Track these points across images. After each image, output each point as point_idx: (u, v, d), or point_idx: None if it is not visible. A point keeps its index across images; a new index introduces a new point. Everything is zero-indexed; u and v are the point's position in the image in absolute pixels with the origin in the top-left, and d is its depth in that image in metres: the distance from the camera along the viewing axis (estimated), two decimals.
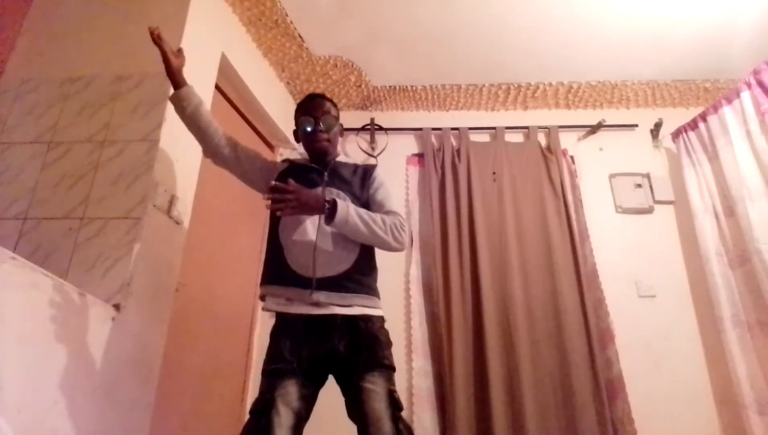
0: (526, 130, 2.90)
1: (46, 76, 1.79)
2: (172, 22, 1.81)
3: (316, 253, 1.33)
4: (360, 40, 2.54)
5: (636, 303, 2.52)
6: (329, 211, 1.30)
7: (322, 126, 1.49)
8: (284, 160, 1.61)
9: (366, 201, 1.47)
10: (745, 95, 2.32)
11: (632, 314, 2.49)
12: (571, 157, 2.84)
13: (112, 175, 1.59)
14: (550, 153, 2.80)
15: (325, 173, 1.48)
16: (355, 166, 1.55)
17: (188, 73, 1.78)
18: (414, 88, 2.89)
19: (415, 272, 2.58)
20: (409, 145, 2.94)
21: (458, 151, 2.79)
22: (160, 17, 1.82)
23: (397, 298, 2.54)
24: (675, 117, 2.80)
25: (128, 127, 1.66)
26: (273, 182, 1.29)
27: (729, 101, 2.41)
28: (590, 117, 2.93)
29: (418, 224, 2.72)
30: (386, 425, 1.19)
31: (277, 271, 1.36)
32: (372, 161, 2.85)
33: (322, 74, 2.76)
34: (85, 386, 1.27)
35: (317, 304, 1.31)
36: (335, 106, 1.58)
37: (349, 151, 2.89)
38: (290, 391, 1.23)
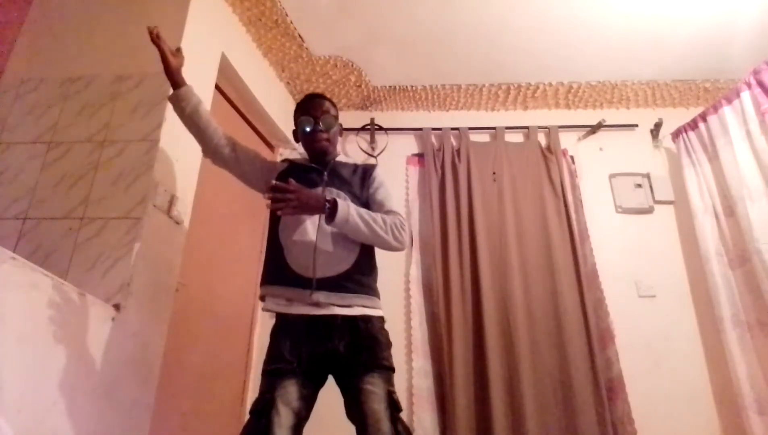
0: (526, 130, 2.90)
1: (46, 76, 1.79)
2: (172, 22, 1.81)
3: (316, 253, 1.33)
4: (360, 40, 2.54)
5: (636, 303, 2.52)
6: (330, 211, 1.30)
7: (321, 126, 1.49)
8: (284, 160, 1.61)
9: (366, 201, 1.47)
10: (745, 95, 2.32)
11: (632, 314, 2.49)
12: (571, 157, 2.84)
13: (112, 175, 1.59)
14: (550, 153, 2.80)
15: (325, 173, 1.48)
16: (355, 166, 1.55)
17: (188, 73, 1.78)
18: (414, 88, 2.89)
19: (415, 272, 2.58)
20: (409, 145, 2.94)
21: (458, 151, 2.79)
22: (160, 17, 1.82)
23: (397, 298, 2.54)
24: (675, 117, 2.80)
25: (128, 127, 1.66)
26: (273, 182, 1.29)
27: (729, 101, 2.41)
28: (590, 117, 2.93)
29: (418, 224, 2.72)
30: (385, 426, 1.19)
31: (277, 271, 1.36)
32: (372, 161, 2.85)
33: (322, 74, 2.76)
34: (85, 386, 1.27)
35: (317, 305, 1.31)
36: (334, 105, 1.57)
37: (349, 151, 2.90)
38: (290, 391, 1.23)
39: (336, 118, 1.55)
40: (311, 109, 1.52)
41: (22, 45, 1.88)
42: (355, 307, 1.33)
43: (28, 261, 1.16)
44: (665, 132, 2.84)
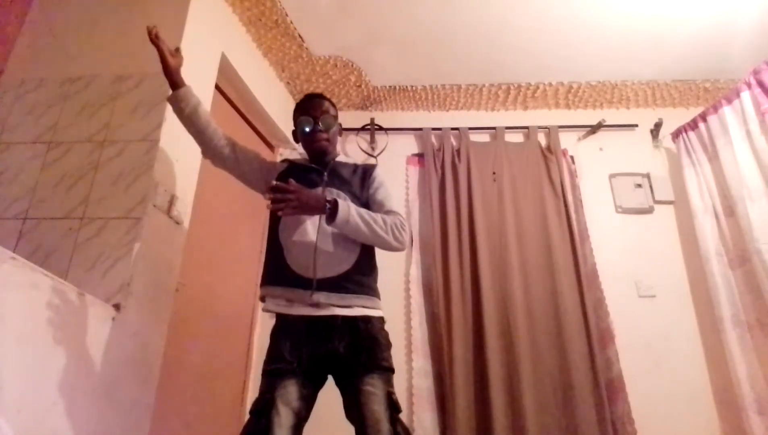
0: (526, 130, 2.90)
1: (46, 76, 1.79)
2: (172, 22, 1.81)
3: (317, 253, 1.33)
4: (360, 40, 2.54)
5: (636, 303, 2.52)
6: (330, 211, 1.30)
7: (321, 126, 1.49)
8: (283, 161, 1.61)
9: (366, 201, 1.47)
10: (745, 95, 2.32)
11: (632, 314, 2.49)
12: (571, 157, 2.84)
13: (112, 175, 1.59)
14: (550, 153, 2.80)
15: (325, 173, 1.48)
16: (355, 166, 1.55)
17: (188, 73, 1.78)
18: (414, 88, 2.89)
19: (415, 272, 2.58)
20: (409, 145, 2.94)
21: (458, 151, 2.79)
22: (160, 17, 1.82)
23: (397, 298, 2.54)
24: (675, 117, 2.80)
25: (128, 127, 1.66)
26: (274, 182, 1.28)
27: (729, 101, 2.41)
28: (590, 117, 2.93)
29: (418, 224, 2.72)
30: (384, 427, 1.19)
31: (277, 271, 1.36)
32: (372, 161, 2.85)
33: (322, 74, 2.76)
34: (85, 386, 1.27)
35: (317, 305, 1.31)
36: (333, 105, 1.57)
37: (349, 151, 2.90)
38: (290, 391, 1.23)
39: (335, 117, 1.55)
40: (310, 109, 1.51)
41: (22, 45, 1.88)
42: (356, 308, 1.33)
43: (28, 261, 1.16)
44: (665, 132, 2.83)
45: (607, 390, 2.25)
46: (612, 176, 2.81)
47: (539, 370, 2.30)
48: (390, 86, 2.89)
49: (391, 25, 2.43)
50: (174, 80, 1.47)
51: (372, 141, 2.93)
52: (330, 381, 1.35)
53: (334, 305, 1.31)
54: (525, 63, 2.68)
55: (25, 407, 1.10)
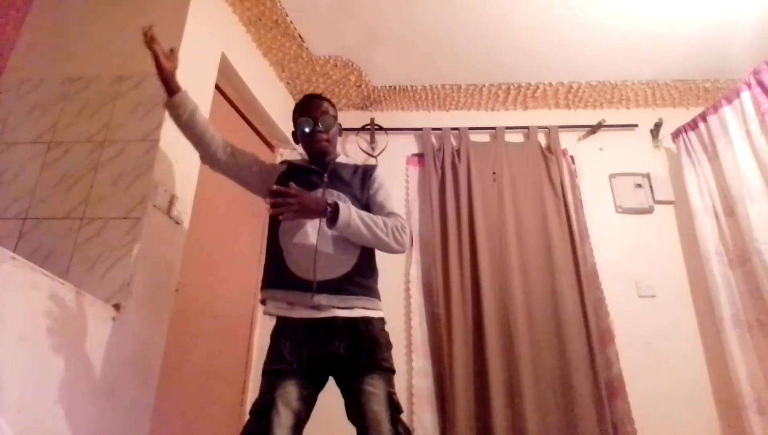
0: (526, 130, 2.90)
1: (46, 76, 1.79)
2: (172, 22, 1.81)
3: (317, 256, 1.33)
4: (360, 40, 2.54)
5: (636, 303, 2.52)
6: (331, 215, 1.29)
7: (320, 126, 1.48)
8: (283, 162, 1.61)
9: (366, 202, 1.46)
10: (745, 95, 2.32)
11: (632, 314, 2.49)
12: (571, 157, 2.84)
13: (112, 175, 1.59)
14: (550, 153, 2.80)
15: (325, 175, 1.47)
16: (355, 167, 1.55)
17: (188, 73, 1.78)
18: (414, 88, 2.89)
19: (415, 272, 2.58)
20: (409, 145, 2.94)
21: (458, 151, 2.79)
22: (160, 17, 1.82)
23: (397, 299, 2.54)
24: (675, 117, 2.80)
25: (128, 127, 1.66)
26: (274, 186, 1.28)
27: (729, 101, 2.41)
28: (590, 117, 2.93)
29: (418, 224, 2.72)
30: (385, 427, 1.19)
31: (278, 274, 1.36)
32: (372, 161, 2.85)
33: (322, 74, 2.76)
34: (85, 386, 1.27)
35: (318, 308, 1.30)
36: (333, 105, 1.57)
37: (349, 151, 2.90)
38: (290, 392, 1.23)
39: (335, 118, 1.55)
40: (310, 109, 1.51)
41: (22, 45, 1.88)
42: (356, 309, 1.33)
43: (28, 261, 1.16)
44: (665, 132, 2.84)
45: (607, 390, 2.25)
46: (612, 176, 2.81)
47: (539, 370, 2.30)
48: (390, 86, 2.89)
49: (391, 25, 2.43)
50: (169, 85, 1.43)
51: (372, 141, 2.93)
52: (330, 382, 1.35)
53: (334, 307, 1.31)
54: (525, 63, 2.68)
55: (25, 407, 1.10)
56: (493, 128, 2.89)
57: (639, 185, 2.77)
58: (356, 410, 1.24)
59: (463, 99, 2.97)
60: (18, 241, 1.52)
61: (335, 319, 1.30)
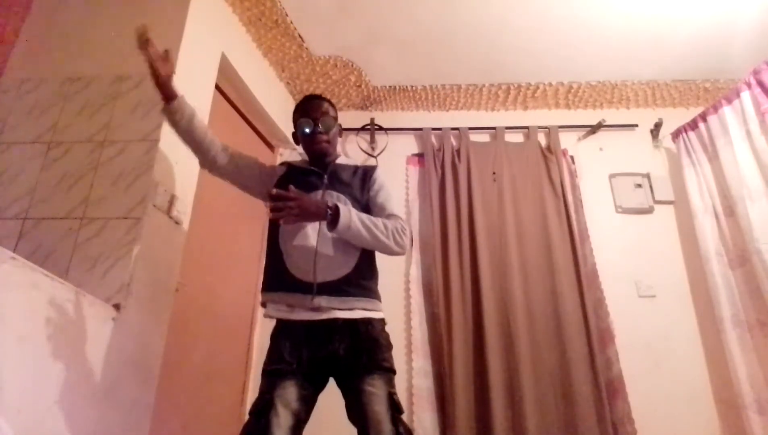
0: (526, 130, 2.90)
1: (46, 76, 1.79)
2: (172, 22, 1.81)
3: (317, 257, 1.33)
4: (360, 40, 2.54)
5: (636, 303, 2.52)
6: (331, 217, 1.29)
7: (320, 127, 1.48)
8: (282, 164, 1.60)
9: (366, 203, 1.46)
10: (745, 95, 2.32)
11: (632, 314, 2.49)
12: (571, 157, 2.84)
13: (112, 175, 1.59)
14: (550, 153, 2.80)
15: (325, 176, 1.47)
16: (355, 168, 1.54)
17: (188, 73, 1.78)
18: (414, 88, 2.89)
19: (415, 272, 2.58)
20: (409, 145, 2.94)
21: (458, 151, 2.79)
22: (160, 17, 1.82)
23: (397, 299, 2.54)
24: (675, 117, 2.80)
25: (128, 127, 1.66)
26: (274, 190, 1.28)
27: (729, 101, 2.41)
28: (590, 117, 2.93)
29: (418, 224, 2.72)
30: (386, 428, 1.19)
31: (278, 277, 1.36)
32: (372, 161, 2.85)
33: (322, 74, 2.76)
34: (85, 386, 1.27)
35: (318, 309, 1.30)
36: (333, 106, 1.57)
37: (349, 151, 2.90)
38: (289, 392, 1.23)
39: (335, 119, 1.54)
40: (310, 110, 1.50)
41: (22, 45, 1.88)
42: (357, 310, 1.33)
43: (28, 261, 1.16)
44: (665, 132, 2.83)
45: (607, 390, 2.25)
46: (612, 176, 2.81)
47: (539, 370, 2.30)
48: (390, 86, 2.89)
49: (391, 25, 2.43)
50: (166, 91, 1.39)
51: (372, 141, 2.93)
52: (331, 383, 1.35)
53: (335, 309, 1.31)
54: (525, 63, 2.68)
55: (25, 407, 1.10)
56: (493, 128, 2.89)
57: (639, 185, 2.77)
58: (357, 411, 1.24)
59: (463, 99, 2.97)
60: (18, 241, 1.52)
61: (335, 320, 1.30)
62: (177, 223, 1.68)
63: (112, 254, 1.47)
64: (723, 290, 2.34)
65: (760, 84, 2.25)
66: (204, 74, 1.95)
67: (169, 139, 1.64)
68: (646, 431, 2.20)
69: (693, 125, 2.63)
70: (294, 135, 1.57)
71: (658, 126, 2.87)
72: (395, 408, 1.24)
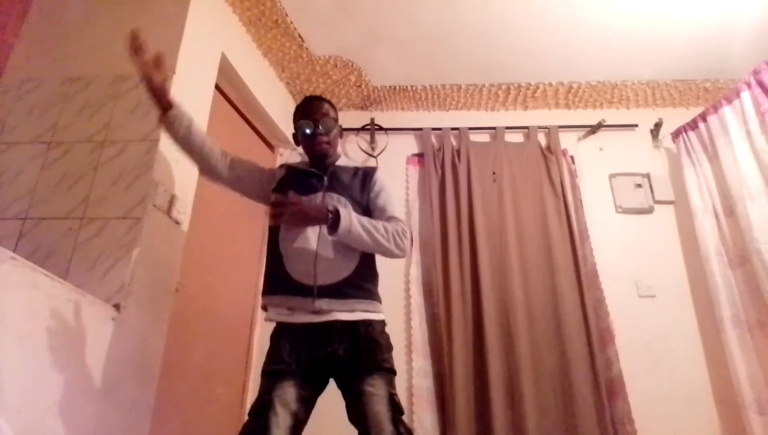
0: (526, 130, 2.90)
1: (46, 76, 1.79)
2: (172, 22, 1.81)
3: (317, 260, 1.33)
4: (360, 40, 2.54)
5: (636, 303, 2.52)
6: (332, 221, 1.29)
7: (321, 129, 1.47)
8: (282, 166, 1.59)
9: (366, 205, 1.46)
10: (745, 95, 2.32)
11: (632, 314, 2.49)
12: (571, 157, 2.84)
13: (112, 175, 1.59)
14: (550, 153, 2.80)
15: (325, 178, 1.46)
16: (356, 169, 1.54)
17: (188, 73, 1.78)
18: (414, 88, 2.89)
19: (415, 272, 2.58)
20: (409, 145, 2.94)
21: (458, 151, 2.79)
22: (160, 17, 1.83)
23: (397, 299, 2.54)
24: (675, 117, 2.80)
25: (128, 127, 1.66)
26: (273, 197, 1.27)
27: (729, 101, 2.41)
28: (590, 117, 2.93)
29: (418, 224, 2.72)
30: (387, 428, 1.18)
31: (278, 280, 1.36)
32: (372, 161, 2.85)
33: (322, 74, 2.76)
34: (85, 386, 1.27)
35: (319, 312, 1.30)
36: (334, 107, 1.56)
37: (349, 151, 2.89)
38: (288, 392, 1.23)
39: (336, 120, 1.53)
40: (310, 112, 1.50)
41: (22, 45, 1.88)
42: (357, 312, 1.33)
43: (28, 261, 1.16)
44: (665, 132, 2.84)
45: (607, 390, 2.25)
46: (612, 176, 2.81)
47: (539, 370, 2.30)
48: (390, 86, 2.89)
49: (391, 25, 2.43)
50: (161, 99, 1.35)
51: (372, 141, 2.93)
52: (331, 384, 1.35)
53: (335, 311, 1.31)
54: (525, 63, 2.68)
55: (25, 407, 1.10)
56: (493, 128, 2.89)
57: (639, 185, 2.77)
58: (357, 411, 1.24)
59: (463, 99, 2.97)
60: (18, 241, 1.52)
61: (335, 322, 1.30)
62: (177, 223, 1.68)
63: (112, 254, 1.47)
64: (723, 290, 2.34)
65: (760, 84, 2.25)
66: (204, 74, 1.95)
67: (169, 139, 1.64)
68: (646, 431, 2.20)
69: (693, 125, 2.63)
70: (294, 136, 1.57)
71: (658, 126, 2.87)
72: (396, 409, 1.24)
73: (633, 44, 2.53)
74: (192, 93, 1.82)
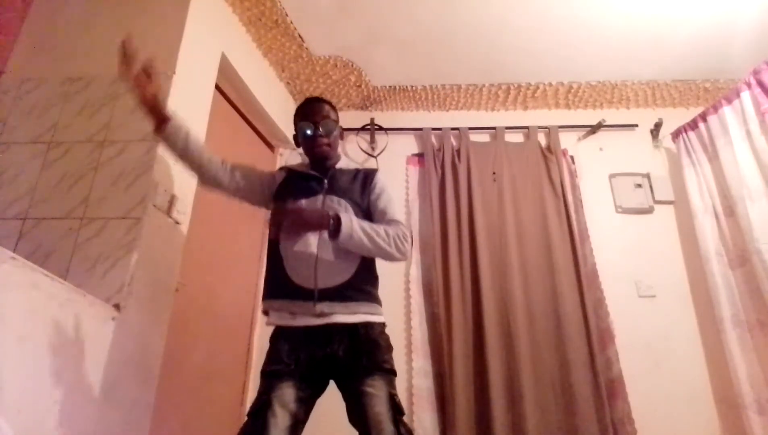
0: (526, 130, 2.90)
1: (46, 76, 1.79)
2: (172, 22, 1.81)
3: (318, 263, 1.32)
4: (360, 40, 2.54)
5: (636, 303, 2.52)
6: (334, 227, 1.28)
7: (321, 130, 1.47)
8: (281, 169, 1.58)
9: (367, 208, 1.45)
10: (745, 95, 2.32)
11: (632, 314, 2.49)
12: (571, 157, 2.84)
13: (112, 175, 1.59)
14: (550, 153, 2.80)
15: (325, 181, 1.46)
16: (356, 172, 1.53)
17: (188, 73, 1.78)
18: (414, 88, 2.89)
19: (415, 272, 2.58)
20: (409, 145, 2.94)
21: (458, 151, 2.79)
22: (160, 17, 1.83)
23: (397, 298, 2.54)
24: (675, 117, 2.80)
25: (128, 127, 1.66)
26: (272, 206, 1.27)
27: (729, 101, 2.41)
28: (590, 117, 2.93)
29: (418, 224, 2.72)
30: (388, 428, 1.18)
31: (279, 284, 1.35)
32: (372, 161, 2.85)
33: (322, 74, 2.76)
34: (85, 386, 1.27)
35: (320, 316, 1.30)
36: (334, 109, 1.55)
37: (349, 151, 2.89)
38: (286, 393, 1.23)
39: (336, 122, 1.52)
40: (311, 114, 1.49)
41: (22, 45, 1.88)
42: (358, 314, 1.33)
43: (28, 261, 1.16)
44: (665, 132, 2.84)
45: (607, 390, 2.25)
46: (612, 176, 2.81)
47: (539, 370, 2.30)
48: (390, 86, 2.89)
49: (391, 25, 2.43)
50: (155, 113, 1.33)
51: (372, 141, 2.93)
52: (331, 386, 1.34)
53: (336, 314, 1.30)
54: (525, 63, 2.68)
55: (25, 407, 1.10)
56: (493, 128, 2.89)
57: (639, 185, 2.77)
58: (358, 412, 1.23)
59: (463, 99, 2.97)
60: (18, 241, 1.52)
61: (335, 324, 1.30)
62: (177, 223, 1.68)
63: (112, 254, 1.47)
64: (723, 290, 2.34)
65: (760, 84, 2.25)
66: (204, 74, 1.95)
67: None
68: (646, 431, 2.20)
69: (693, 125, 2.63)
70: (295, 137, 1.56)
71: (658, 126, 2.87)
72: (396, 409, 1.24)
73: (633, 44, 2.53)
74: (192, 93, 1.83)
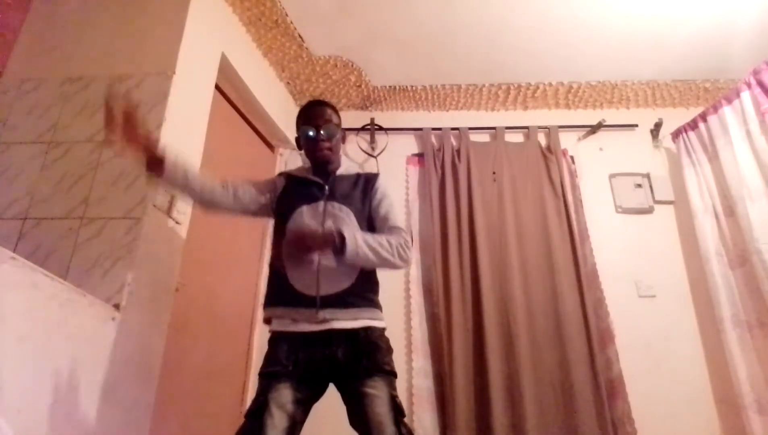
0: (526, 130, 2.90)
1: (46, 76, 1.79)
2: (172, 22, 1.81)
3: (320, 271, 1.32)
4: (360, 40, 2.54)
5: (636, 303, 2.52)
6: (339, 247, 1.27)
7: (323, 134, 1.46)
8: (281, 174, 1.57)
9: (369, 214, 1.45)
10: (745, 95, 2.32)
11: (632, 314, 2.49)
12: (571, 157, 2.84)
13: (112, 175, 1.59)
14: (550, 153, 2.80)
15: (326, 187, 1.45)
16: (357, 177, 1.51)
17: (188, 73, 1.78)
18: (414, 88, 2.89)
19: (415, 272, 2.58)
20: (409, 145, 2.94)
21: (458, 151, 2.79)
22: (160, 17, 1.83)
23: (397, 299, 2.54)
24: (675, 117, 2.80)
25: None
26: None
27: (729, 101, 2.41)
28: (590, 117, 2.93)
29: (418, 224, 2.72)
30: (389, 429, 1.18)
31: (280, 291, 1.35)
32: (372, 161, 2.85)
33: (322, 74, 2.76)
34: (85, 386, 1.27)
35: (322, 322, 1.30)
36: (336, 112, 1.54)
37: (349, 151, 2.89)
38: (284, 394, 1.22)
39: (338, 125, 1.51)
40: (313, 117, 1.48)
41: (22, 45, 1.88)
42: (359, 320, 1.33)
43: (28, 261, 1.16)
44: (665, 132, 2.83)
45: (607, 390, 2.25)
46: (612, 176, 2.81)
47: (539, 370, 2.30)
48: (390, 86, 2.89)
49: (391, 25, 2.43)
50: (152, 159, 1.28)
51: (372, 141, 2.93)
52: (331, 389, 1.34)
53: (338, 320, 1.30)
54: (525, 63, 2.68)
55: (25, 407, 1.10)
56: (493, 128, 2.89)
57: (639, 185, 2.77)
58: (359, 414, 1.23)
59: (463, 99, 2.97)
60: (18, 241, 1.52)
61: (336, 329, 1.30)
62: (177, 223, 1.68)
63: (112, 254, 1.47)
64: (723, 290, 2.34)
65: (760, 84, 2.25)
66: (204, 74, 1.95)
67: (169, 139, 1.64)
68: (646, 431, 2.20)
69: (693, 125, 2.63)
70: (297, 140, 1.55)
71: (658, 126, 2.87)
72: (398, 410, 1.23)
73: (633, 44, 2.53)
74: (192, 93, 1.83)
